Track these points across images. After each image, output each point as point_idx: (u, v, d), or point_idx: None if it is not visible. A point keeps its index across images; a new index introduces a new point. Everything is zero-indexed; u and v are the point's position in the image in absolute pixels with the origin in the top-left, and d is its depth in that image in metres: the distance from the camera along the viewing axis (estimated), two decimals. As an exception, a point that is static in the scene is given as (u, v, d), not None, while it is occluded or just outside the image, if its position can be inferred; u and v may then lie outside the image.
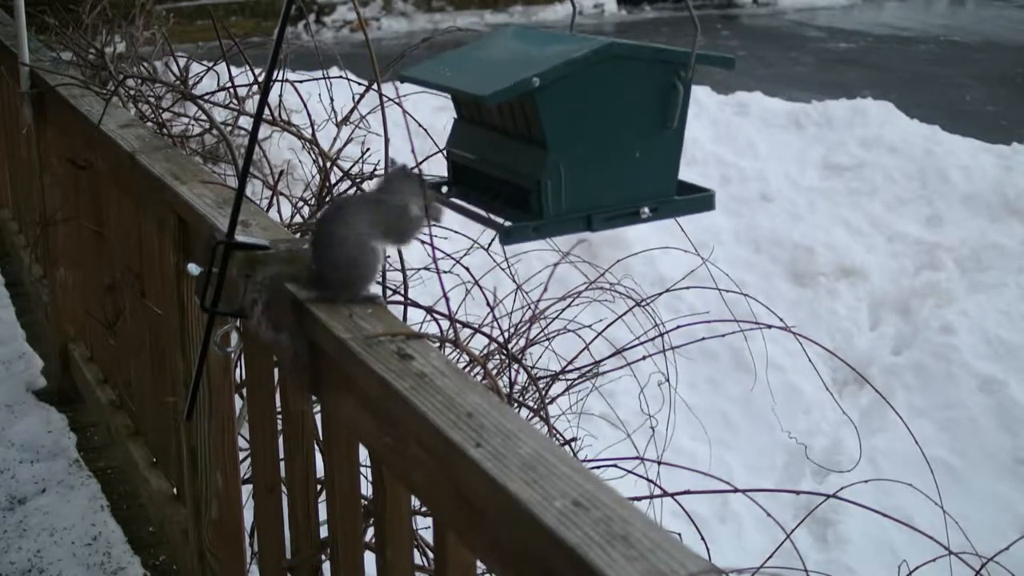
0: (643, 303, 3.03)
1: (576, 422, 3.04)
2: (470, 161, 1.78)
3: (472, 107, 1.78)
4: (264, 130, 3.51)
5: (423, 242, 2.49)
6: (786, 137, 8.78)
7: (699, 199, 1.74)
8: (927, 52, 15.99)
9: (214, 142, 4.51)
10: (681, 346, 2.98)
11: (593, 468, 2.34)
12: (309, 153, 3.18)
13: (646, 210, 1.66)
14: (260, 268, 1.78)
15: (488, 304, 2.89)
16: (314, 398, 2.03)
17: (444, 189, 1.84)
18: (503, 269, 2.98)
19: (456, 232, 2.89)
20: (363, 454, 1.92)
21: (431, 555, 2.40)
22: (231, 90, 3.66)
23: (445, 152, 1.85)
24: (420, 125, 2.75)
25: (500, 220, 1.66)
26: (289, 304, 1.77)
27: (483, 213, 1.71)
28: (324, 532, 2.09)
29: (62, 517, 3.42)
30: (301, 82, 3.51)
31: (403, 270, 2.55)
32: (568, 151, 1.59)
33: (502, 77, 1.59)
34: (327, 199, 2.94)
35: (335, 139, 3.18)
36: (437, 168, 2.68)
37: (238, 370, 2.74)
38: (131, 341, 3.37)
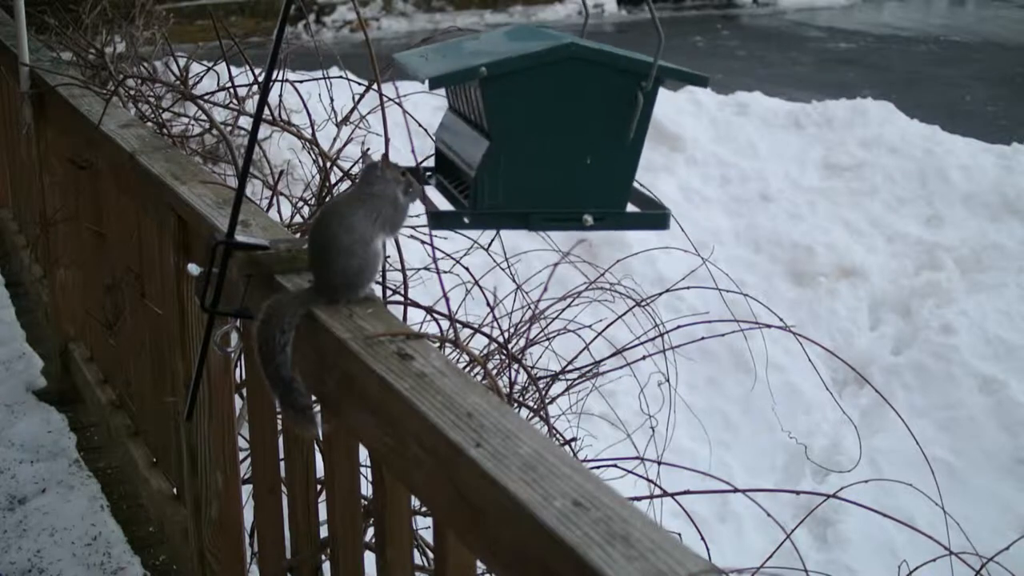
0: (643, 303, 3.03)
1: (576, 422, 3.04)
2: (446, 148, 1.79)
3: (455, 97, 1.78)
4: (264, 130, 3.51)
5: (423, 242, 2.49)
6: (786, 137, 8.78)
7: (650, 216, 1.68)
8: (927, 52, 15.99)
9: (214, 142, 4.50)
10: (681, 346, 2.98)
11: (593, 468, 2.34)
12: (309, 153, 3.18)
13: (589, 218, 1.61)
14: (287, 306, 1.74)
15: (488, 304, 2.89)
16: (313, 397, 2.03)
17: (428, 174, 1.85)
18: (503, 269, 2.98)
19: (456, 232, 2.89)
20: (363, 454, 1.92)
21: (431, 555, 2.40)
22: (231, 90, 3.66)
23: (434, 140, 1.86)
24: (420, 125, 2.75)
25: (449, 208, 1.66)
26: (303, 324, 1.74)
27: (436, 200, 1.71)
28: (324, 532, 2.09)
29: (62, 517, 3.42)
30: (301, 82, 3.51)
31: (403, 270, 2.55)
32: (511, 145, 1.56)
33: (458, 65, 1.58)
34: (327, 199, 2.94)
35: (335, 139, 3.18)
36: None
37: (238, 370, 2.74)
38: (131, 341, 3.37)
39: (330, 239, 1.69)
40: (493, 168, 1.57)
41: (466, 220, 1.61)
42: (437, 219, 1.61)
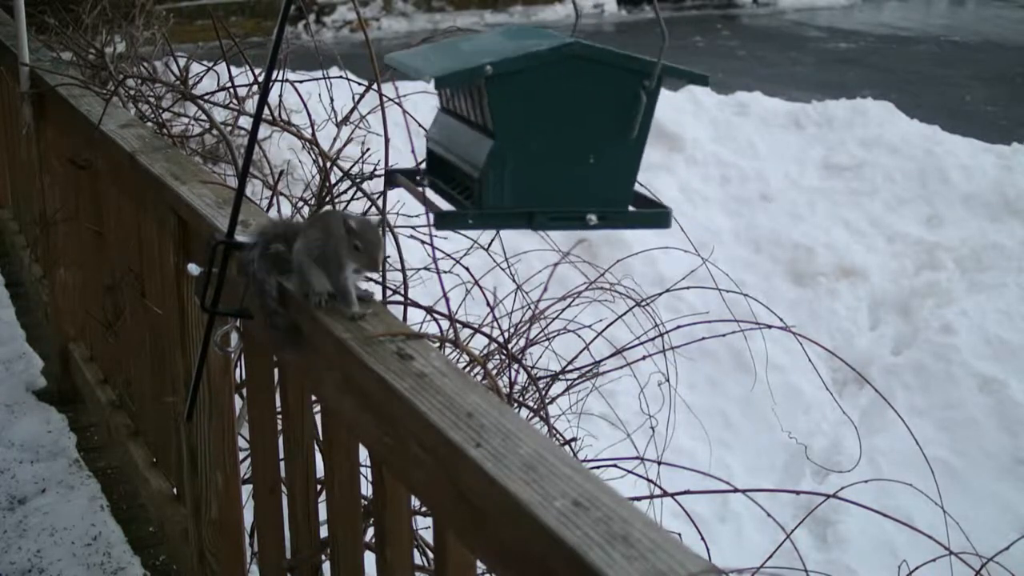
0: (643, 303, 3.03)
1: (576, 422, 3.04)
2: (441, 149, 1.79)
3: (447, 97, 1.78)
4: (264, 130, 3.51)
5: (423, 242, 2.49)
6: (786, 137, 8.78)
7: (653, 215, 1.68)
8: (927, 52, 15.99)
9: (214, 142, 4.51)
10: (681, 346, 2.97)
11: (593, 468, 2.34)
12: (309, 153, 3.18)
13: (593, 217, 1.61)
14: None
15: (488, 304, 2.89)
16: (314, 398, 2.04)
17: (419, 176, 1.85)
18: (503, 269, 2.98)
19: (456, 232, 2.89)
20: (363, 454, 1.92)
21: (431, 555, 2.40)
22: (231, 90, 3.66)
23: (425, 140, 1.86)
24: (420, 125, 2.75)
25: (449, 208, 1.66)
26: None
27: (433, 200, 1.71)
28: (324, 532, 2.09)
29: (62, 517, 3.42)
30: (301, 82, 3.51)
31: (403, 270, 2.55)
32: (516, 145, 1.56)
33: (462, 64, 1.58)
34: (327, 199, 2.94)
35: (335, 139, 3.18)
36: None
37: (238, 370, 2.74)
38: (131, 341, 3.37)
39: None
40: (498, 168, 1.57)
41: (470, 220, 1.61)
42: (441, 220, 1.61)
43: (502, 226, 1.62)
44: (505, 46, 1.68)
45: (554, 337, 3.07)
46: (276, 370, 2.18)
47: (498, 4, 19.03)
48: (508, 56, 1.55)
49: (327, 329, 1.69)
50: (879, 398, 4.83)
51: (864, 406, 5.65)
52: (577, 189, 1.61)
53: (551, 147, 1.58)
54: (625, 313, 3.06)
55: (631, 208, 1.66)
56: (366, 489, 2.01)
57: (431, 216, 1.61)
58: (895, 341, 6.37)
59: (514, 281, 3.07)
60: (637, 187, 1.70)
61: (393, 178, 1.82)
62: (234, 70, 3.58)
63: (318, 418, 2.10)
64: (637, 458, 2.66)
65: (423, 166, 1.83)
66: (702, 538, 2.39)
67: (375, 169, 2.87)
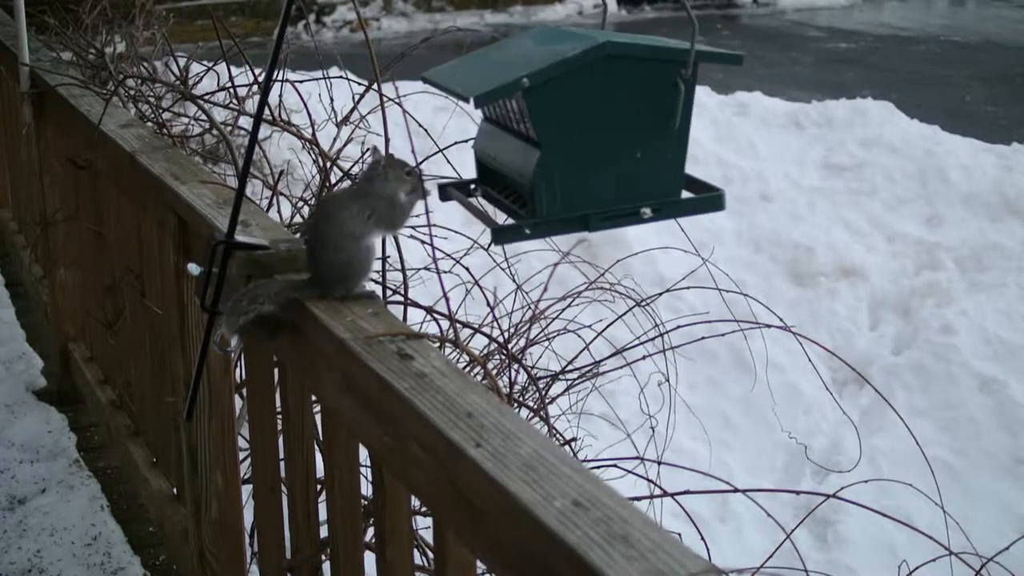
0: (643, 303, 3.03)
1: (576, 422, 3.04)
2: (491, 161, 1.78)
3: (492, 107, 1.78)
4: (264, 130, 3.51)
5: (423, 242, 2.49)
6: (786, 137, 8.78)
7: (706, 199, 1.69)
8: (927, 52, 15.99)
9: (214, 142, 4.50)
10: (681, 346, 2.98)
11: (593, 468, 2.34)
12: (309, 153, 3.18)
13: (647, 211, 1.62)
14: (273, 286, 1.78)
15: (488, 304, 2.89)
16: (314, 398, 2.04)
17: (472, 187, 1.84)
18: (503, 269, 2.98)
19: (456, 232, 2.89)
20: (363, 454, 1.92)
21: (431, 555, 2.40)
22: (231, 90, 3.66)
23: (473, 151, 1.85)
24: (420, 125, 2.75)
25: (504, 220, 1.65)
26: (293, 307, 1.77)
27: (489, 212, 1.71)
28: (324, 532, 2.09)
29: (62, 517, 3.42)
30: (301, 82, 3.51)
31: (403, 270, 2.55)
32: (562, 151, 1.56)
33: (497, 78, 1.58)
34: (327, 199, 2.94)
35: (335, 139, 3.18)
36: (436, 168, 2.69)
37: (238, 370, 2.74)
38: (131, 341, 3.37)
39: (318, 233, 1.73)
40: (547, 175, 1.56)
41: (527, 231, 1.60)
42: (499, 235, 1.60)
43: (559, 232, 1.61)
44: (536, 53, 1.67)
45: (554, 337, 3.07)
46: (276, 370, 2.18)
47: (498, 4, 19.03)
48: (542, 65, 1.54)
49: (327, 329, 1.69)
50: (879, 398, 4.83)
51: (864, 406, 5.65)
52: (628, 186, 1.61)
53: (597, 148, 1.58)
54: (625, 313, 3.06)
55: (684, 195, 1.66)
56: (366, 489, 2.01)
57: (490, 232, 1.60)
58: (895, 341, 6.37)
59: (514, 281, 3.07)
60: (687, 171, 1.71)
61: (446, 192, 1.81)
62: (234, 70, 3.58)
63: (318, 418, 2.10)
64: (637, 458, 2.66)
65: (474, 178, 1.82)
66: (702, 538, 2.39)
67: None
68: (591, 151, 1.58)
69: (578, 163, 1.58)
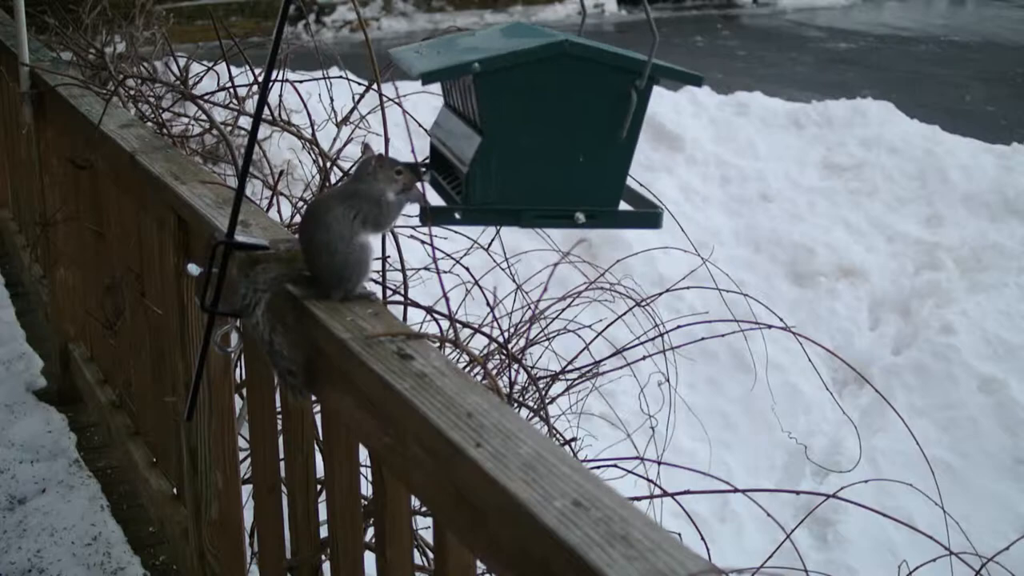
0: (643, 303, 3.03)
1: (576, 422, 3.04)
2: (441, 145, 1.78)
3: (450, 93, 1.78)
4: (264, 130, 3.52)
5: (423, 242, 2.49)
6: (786, 137, 8.78)
7: (642, 215, 1.67)
8: (927, 52, 15.99)
9: (214, 142, 4.51)
10: (681, 346, 2.98)
11: (593, 468, 2.34)
12: (309, 153, 3.18)
13: (581, 216, 1.61)
14: (260, 270, 1.78)
15: (488, 304, 2.89)
16: (314, 398, 2.03)
17: (423, 169, 1.85)
18: (503, 269, 2.98)
19: (456, 232, 2.89)
20: (363, 454, 1.92)
21: (431, 555, 2.40)
22: (231, 90, 3.66)
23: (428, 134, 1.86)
24: (420, 125, 2.75)
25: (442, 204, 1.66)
26: (289, 305, 1.77)
27: (427, 196, 1.71)
28: (324, 532, 2.09)
29: (62, 517, 3.42)
30: (301, 82, 3.51)
31: (403, 270, 2.55)
32: (505, 142, 1.56)
33: (451, 61, 1.58)
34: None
35: (335, 139, 3.18)
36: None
37: (238, 370, 2.74)
38: (131, 341, 3.37)
39: (309, 238, 1.73)
40: (485, 164, 1.57)
41: (457, 216, 1.61)
42: (428, 214, 1.61)
43: (490, 222, 1.62)
44: (499, 43, 1.68)
45: (554, 337, 3.07)
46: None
47: (498, 4, 19.04)
48: (498, 53, 1.54)
49: (328, 329, 1.69)
50: (879, 398, 4.83)
51: (864, 406, 5.65)
52: (566, 187, 1.60)
53: (540, 145, 1.58)
54: (625, 313, 3.06)
55: (623, 207, 1.65)
56: (366, 489, 2.01)
57: (419, 211, 1.61)
58: (895, 341, 6.37)
59: (514, 281, 3.07)
60: (635, 186, 1.69)
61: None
62: (234, 70, 3.58)
63: (318, 418, 2.10)
64: (637, 458, 2.66)
65: (427, 161, 1.84)
66: (702, 538, 2.39)
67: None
68: (534, 147, 1.58)
69: (519, 157, 1.57)
